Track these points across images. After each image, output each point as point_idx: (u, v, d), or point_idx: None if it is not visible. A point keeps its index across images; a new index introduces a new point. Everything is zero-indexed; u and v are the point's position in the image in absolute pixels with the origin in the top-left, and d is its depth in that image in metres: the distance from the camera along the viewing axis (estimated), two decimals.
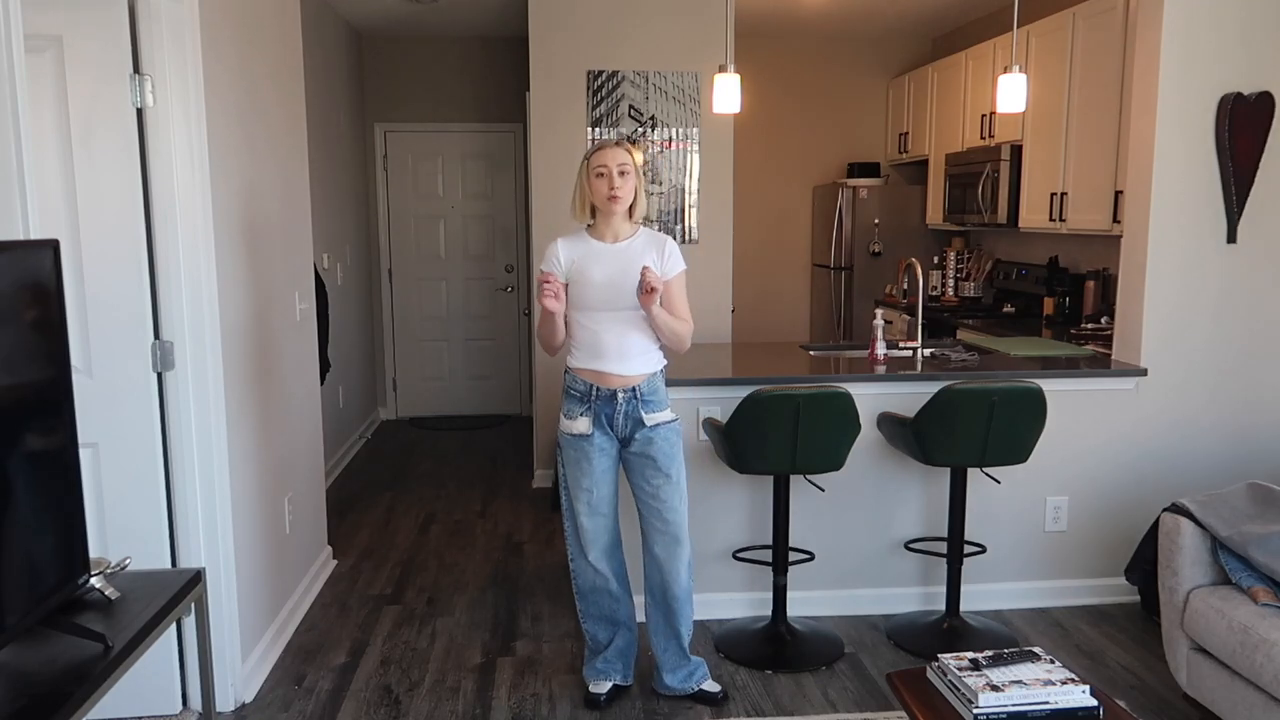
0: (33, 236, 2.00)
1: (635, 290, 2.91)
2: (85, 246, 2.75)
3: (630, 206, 3.02)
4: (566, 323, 3.03)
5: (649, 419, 3.00)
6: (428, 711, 3.12)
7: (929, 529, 3.81)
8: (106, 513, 2.85)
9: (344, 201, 6.41)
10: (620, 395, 2.97)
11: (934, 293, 6.55)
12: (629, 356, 2.97)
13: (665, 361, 3.09)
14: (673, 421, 3.06)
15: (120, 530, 2.87)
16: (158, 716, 2.99)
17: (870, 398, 3.64)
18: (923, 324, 4.22)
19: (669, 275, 3.01)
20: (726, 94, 4.00)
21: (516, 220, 7.38)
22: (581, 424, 3.00)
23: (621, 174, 2.96)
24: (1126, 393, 3.82)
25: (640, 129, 5.29)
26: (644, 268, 2.87)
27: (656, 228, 5.26)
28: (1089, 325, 4.93)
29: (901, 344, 4.28)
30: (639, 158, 3.03)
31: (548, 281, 2.90)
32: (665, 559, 3.08)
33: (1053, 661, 2.39)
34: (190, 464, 2.96)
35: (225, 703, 3.09)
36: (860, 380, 3.66)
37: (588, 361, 3.00)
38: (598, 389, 2.98)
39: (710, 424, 3.47)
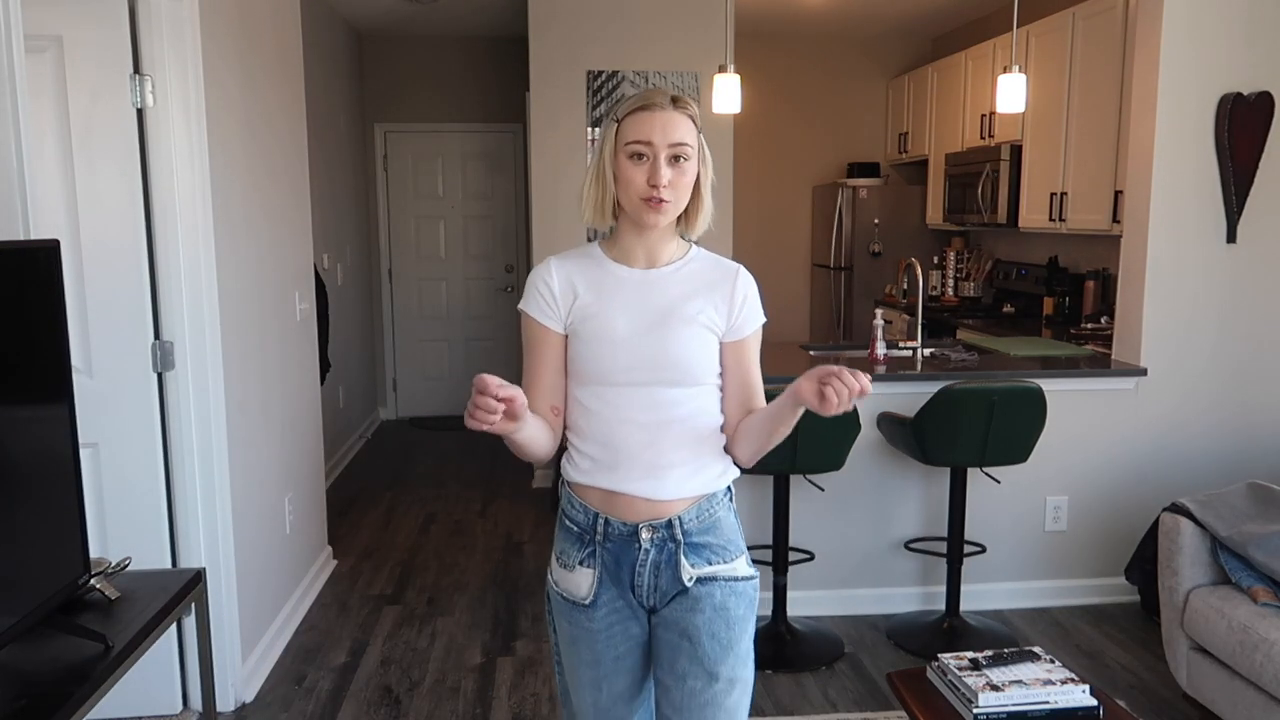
0: (33, 236, 2.00)
1: (686, 356, 1.73)
2: (85, 246, 2.75)
3: (684, 215, 1.75)
4: (564, 402, 1.79)
5: (688, 572, 1.74)
6: (428, 711, 3.12)
7: (929, 529, 3.81)
8: (106, 513, 2.85)
9: (344, 201, 6.41)
10: (645, 535, 1.73)
11: (934, 293, 6.55)
12: (666, 467, 1.74)
13: (737, 473, 1.90)
14: (745, 579, 1.80)
15: (120, 530, 2.86)
16: (158, 716, 2.99)
17: (870, 398, 3.62)
18: (923, 324, 4.21)
19: (744, 333, 1.81)
20: (726, 94, 4.00)
21: (516, 220, 7.37)
22: (581, 580, 1.76)
23: (675, 159, 1.67)
24: (1126, 393, 3.82)
25: None
26: (844, 373, 1.61)
27: None
28: (1089, 325, 4.93)
29: (901, 344, 4.28)
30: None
31: (492, 399, 1.47)
32: None
33: (1053, 661, 2.39)
34: (190, 464, 2.96)
35: (225, 703, 3.09)
36: None
37: (594, 474, 1.75)
38: (607, 522, 1.74)
39: None
